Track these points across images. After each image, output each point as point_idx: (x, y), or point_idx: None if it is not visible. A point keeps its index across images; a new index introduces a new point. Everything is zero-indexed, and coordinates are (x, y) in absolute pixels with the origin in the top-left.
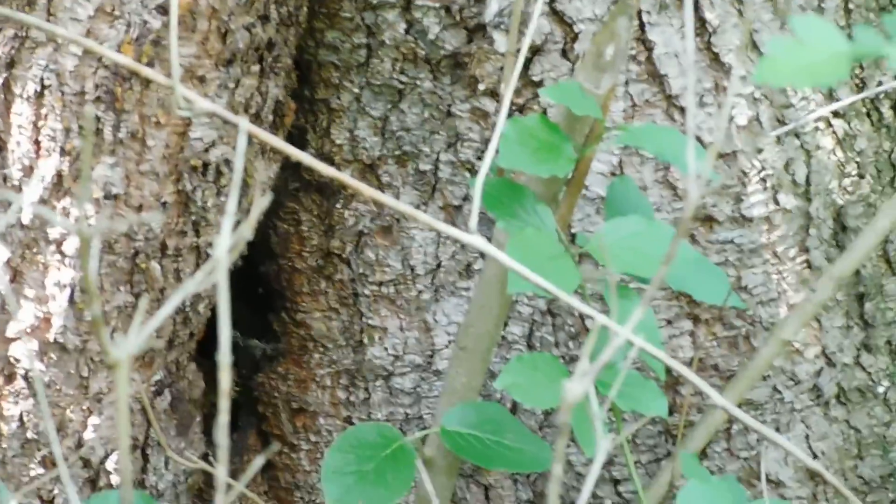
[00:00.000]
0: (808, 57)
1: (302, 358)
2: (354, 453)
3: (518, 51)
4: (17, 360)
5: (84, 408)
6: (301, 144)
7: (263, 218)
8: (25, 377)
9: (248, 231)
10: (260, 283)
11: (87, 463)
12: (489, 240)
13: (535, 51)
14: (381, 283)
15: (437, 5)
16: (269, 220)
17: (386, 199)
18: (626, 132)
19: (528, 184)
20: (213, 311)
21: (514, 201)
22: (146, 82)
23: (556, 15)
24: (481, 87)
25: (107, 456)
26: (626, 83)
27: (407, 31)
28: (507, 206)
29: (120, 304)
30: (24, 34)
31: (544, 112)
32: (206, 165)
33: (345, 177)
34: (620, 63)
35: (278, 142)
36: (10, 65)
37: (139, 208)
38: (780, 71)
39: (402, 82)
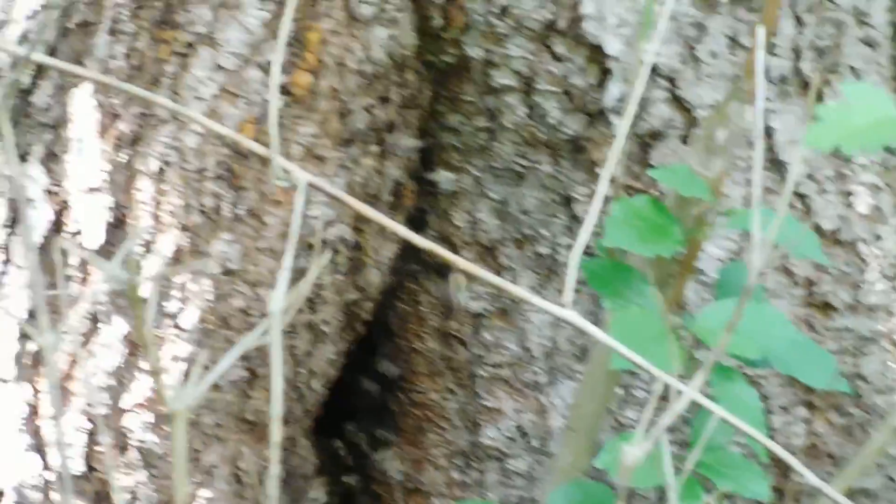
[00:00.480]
0: (856, 121)
1: (418, 438)
2: None
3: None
4: (131, 432)
5: (196, 480)
6: (421, 226)
7: (383, 298)
8: (138, 449)
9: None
10: (379, 363)
11: None
12: (598, 320)
13: (655, 136)
14: (497, 365)
15: (558, 90)
16: (389, 301)
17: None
18: (735, 215)
19: (638, 266)
20: (331, 389)
21: (621, 282)
22: (265, 161)
23: (676, 101)
24: (600, 171)
25: None
26: (746, 170)
27: (528, 116)
28: (614, 286)
29: (234, 378)
30: (149, 112)
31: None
32: (323, 243)
33: (460, 259)
34: (733, 147)
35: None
36: (135, 142)
37: (255, 285)
38: (829, 135)
39: (522, 166)
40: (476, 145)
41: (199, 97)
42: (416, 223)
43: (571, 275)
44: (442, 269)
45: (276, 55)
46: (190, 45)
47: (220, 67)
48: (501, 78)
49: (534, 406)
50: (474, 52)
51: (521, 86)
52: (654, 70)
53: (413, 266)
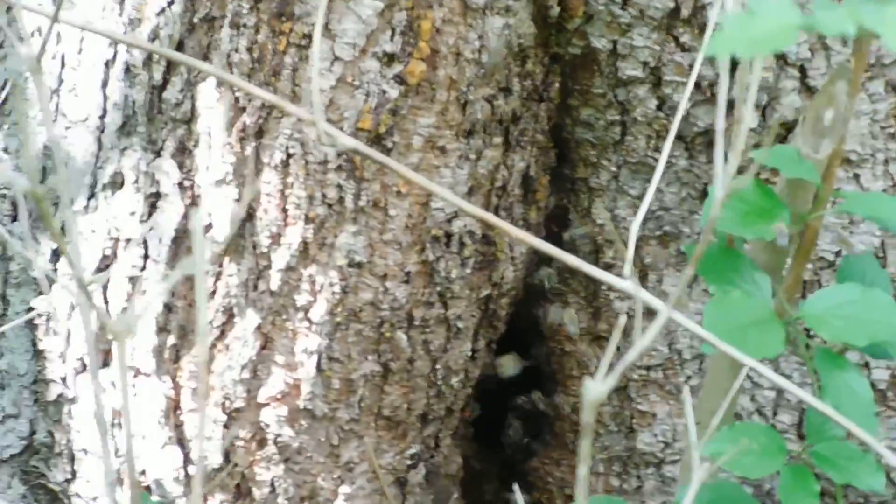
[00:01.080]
0: (757, 28)
1: (573, 443)
2: None
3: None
4: (268, 426)
5: (335, 476)
6: (564, 224)
7: (532, 301)
8: (276, 443)
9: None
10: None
11: None
12: None
13: (789, 127)
14: (648, 368)
15: (686, 80)
16: (538, 303)
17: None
18: (848, 199)
19: (751, 254)
20: (477, 390)
21: (731, 269)
22: (387, 152)
23: (808, 91)
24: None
25: None
26: (886, 162)
27: (658, 108)
28: (723, 273)
29: (367, 372)
30: (270, 105)
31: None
32: (448, 236)
33: (586, 265)
34: (841, 128)
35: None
36: (259, 134)
37: (383, 277)
38: (729, 43)
39: (656, 160)
40: (610, 140)
41: (319, 88)
42: (560, 221)
43: (631, 244)
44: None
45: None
46: (307, 36)
47: (337, 58)
48: (629, 69)
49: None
50: (600, 42)
51: (648, 77)
52: (784, 59)
53: (558, 265)
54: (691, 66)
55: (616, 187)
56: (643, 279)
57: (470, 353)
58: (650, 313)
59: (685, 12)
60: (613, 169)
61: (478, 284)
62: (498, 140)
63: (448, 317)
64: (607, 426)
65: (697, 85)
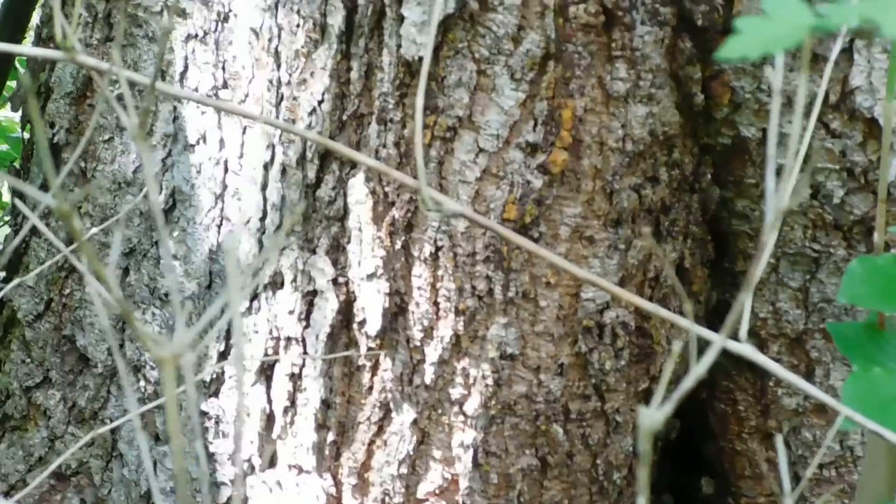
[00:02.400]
0: (770, 30)
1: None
2: None
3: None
4: None
5: None
6: (723, 319)
7: (701, 397)
8: None
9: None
10: (705, 467)
11: None
12: None
13: None
14: (822, 467)
15: (839, 167)
16: (708, 400)
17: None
18: None
19: None
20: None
21: (875, 347)
22: (534, 241)
23: None
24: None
25: None
26: None
27: (813, 196)
28: (866, 350)
29: (524, 466)
30: (418, 196)
31: None
32: (601, 327)
33: (755, 353)
34: None
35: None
36: (408, 228)
37: (537, 370)
38: (742, 46)
39: (815, 250)
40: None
41: (465, 180)
42: (721, 315)
43: (747, 305)
44: (755, 365)
45: (420, 93)
46: (451, 128)
47: (481, 150)
48: (780, 158)
49: None
50: (749, 131)
51: (801, 166)
52: None
53: (722, 361)
54: (843, 153)
55: (776, 279)
56: (810, 374)
57: (632, 449)
58: (819, 409)
59: (833, 98)
60: (772, 261)
61: (635, 377)
62: (647, 230)
63: (606, 410)
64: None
65: (850, 171)
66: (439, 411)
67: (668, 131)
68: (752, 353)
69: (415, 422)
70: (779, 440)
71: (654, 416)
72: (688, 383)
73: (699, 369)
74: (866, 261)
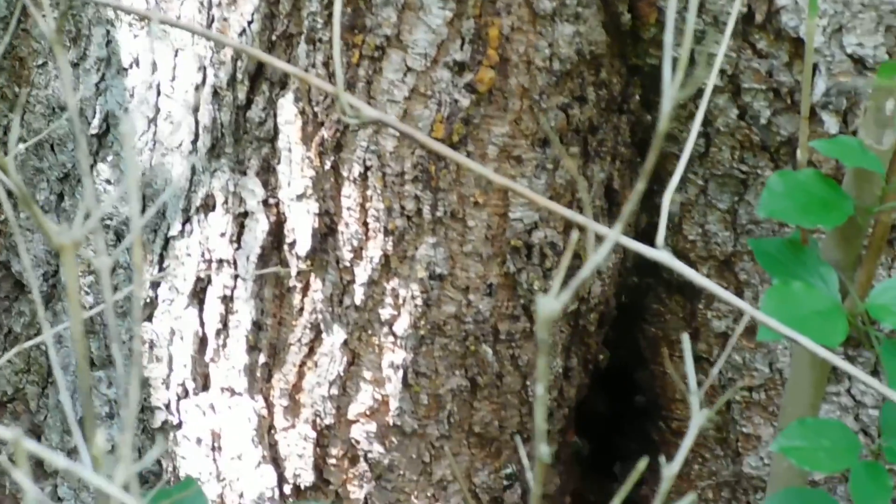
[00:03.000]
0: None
1: (682, 469)
2: None
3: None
4: (358, 443)
5: (429, 494)
6: (654, 242)
7: (631, 322)
8: (367, 460)
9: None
10: (637, 391)
11: None
12: None
13: None
14: (751, 389)
15: (765, 87)
16: (639, 325)
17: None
18: None
19: (825, 251)
20: (583, 411)
21: (796, 262)
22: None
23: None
24: (823, 171)
25: None
26: None
27: (740, 117)
28: (787, 265)
29: (454, 387)
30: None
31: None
32: (529, 247)
33: (694, 273)
34: None
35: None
36: (338, 148)
37: (466, 290)
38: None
39: (742, 172)
40: (695, 152)
41: (393, 100)
42: (651, 238)
43: (664, 214)
44: (684, 288)
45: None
46: (379, 48)
47: (409, 69)
48: (707, 78)
49: None
50: (676, 52)
51: (727, 86)
52: (862, 63)
53: (654, 285)
54: (769, 73)
55: (705, 202)
56: (739, 296)
57: (562, 370)
58: (749, 333)
59: (759, 17)
60: (701, 183)
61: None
62: (575, 150)
63: (535, 331)
64: (713, 451)
65: (777, 92)
66: (369, 332)
67: (595, 51)
68: (669, 259)
69: (345, 343)
70: (685, 338)
71: (551, 304)
72: (585, 272)
73: (596, 258)
74: (787, 175)
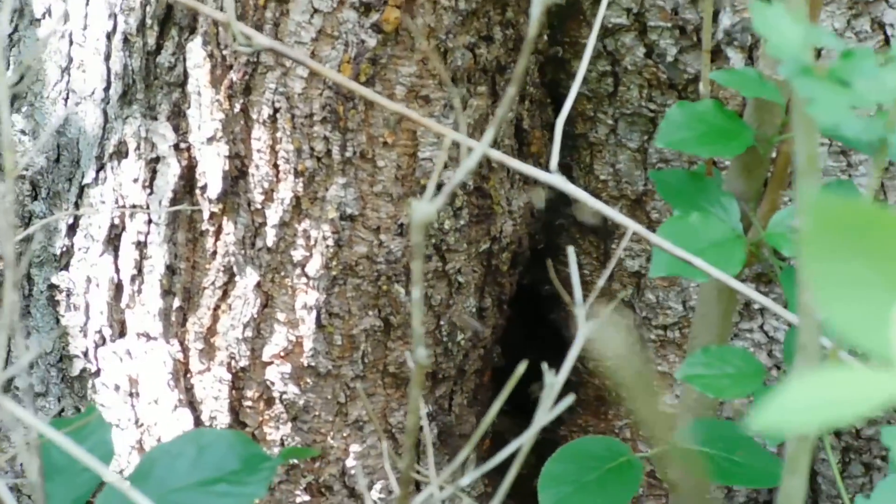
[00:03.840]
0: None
1: (600, 409)
2: (576, 464)
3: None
4: (273, 384)
5: (345, 435)
6: (569, 181)
7: (541, 259)
8: (282, 401)
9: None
10: (552, 331)
11: (352, 492)
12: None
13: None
14: (665, 328)
15: (670, 25)
16: (553, 266)
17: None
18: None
19: (728, 181)
20: (490, 351)
21: (698, 193)
22: (369, 102)
23: None
24: (729, 108)
25: (372, 484)
26: None
27: (647, 55)
28: (689, 197)
29: (367, 327)
30: (255, 59)
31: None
32: (439, 187)
33: (606, 208)
34: None
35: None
36: (247, 91)
37: (377, 230)
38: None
39: (651, 110)
40: (604, 92)
41: (300, 41)
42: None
43: (557, 139)
44: (597, 228)
45: None
46: None
47: (316, 10)
48: (613, 17)
49: None
50: None
51: (633, 24)
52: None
53: (567, 225)
54: (675, 10)
55: (615, 141)
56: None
57: (475, 310)
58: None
59: None
60: (610, 122)
61: (475, 238)
62: (483, 89)
63: (447, 271)
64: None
65: (683, 30)
66: (282, 273)
67: None
68: (562, 182)
69: (258, 285)
70: (570, 250)
71: (425, 209)
72: (457, 177)
73: (468, 164)
74: (686, 106)
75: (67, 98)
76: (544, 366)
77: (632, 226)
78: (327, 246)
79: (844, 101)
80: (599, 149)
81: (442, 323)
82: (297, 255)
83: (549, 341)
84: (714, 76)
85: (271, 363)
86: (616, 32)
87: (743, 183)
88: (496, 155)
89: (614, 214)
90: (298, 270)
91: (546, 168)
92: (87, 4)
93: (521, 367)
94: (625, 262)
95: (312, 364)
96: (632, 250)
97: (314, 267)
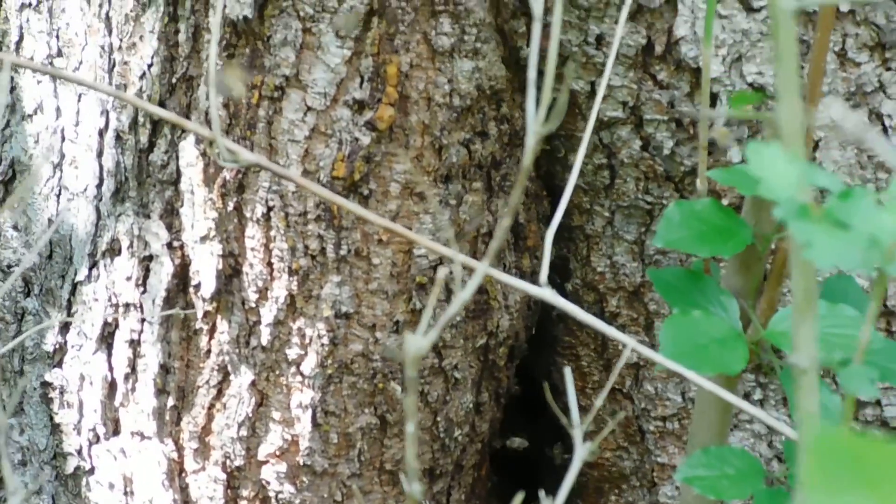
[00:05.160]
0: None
1: (599, 500)
2: None
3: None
4: (269, 483)
5: None
6: (565, 274)
7: (544, 355)
8: (278, 500)
9: None
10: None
11: None
12: None
13: None
14: (664, 419)
15: (667, 118)
16: (550, 357)
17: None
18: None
19: (726, 279)
20: (487, 445)
21: (696, 291)
22: (364, 199)
23: None
24: (725, 202)
25: None
26: (878, 192)
27: (643, 148)
28: (687, 294)
29: (364, 425)
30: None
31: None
32: (434, 284)
33: (580, 311)
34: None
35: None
36: (240, 189)
37: (372, 328)
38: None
39: (648, 202)
40: (600, 184)
41: (294, 139)
42: (561, 271)
43: (547, 250)
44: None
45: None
46: (278, 88)
47: (309, 108)
48: (609, 110)
49: None
50: (578, 84)
51: (630, 117)
52: (762, 90)
53: (564, 316)
54: (671, 104)
55: (612, 233)
56: (649, 327)
57: (472, 405)
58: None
59: (658, 49)
60: (607, 214)
61: (472, 333)
62: (478, 185)
63: (444, 367)
64: (629, 481)
65: (680, 123)
66: (277, 372)
67: (495, 86)
68: (552, 296)
69: (253, 383)
70: (567, 371)
71: (419, 342)
72: (452, 310)
73: (463, 295)
74: (684, 205)
75: (60, 194)
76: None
77: (630, 343)
78: (322, 344)
79: (842, 245)
80: (596, 241)
81: (439, 419)
82: (292, 353)
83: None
84: (712, 175)
85: (267, 462)
86: (612, 125)
87: (741, 279)
88: (493, 273)
89: (614, 332)
90: (293, 369)
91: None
92: (78, 101)
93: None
94: (622, 353)
95: (308, 463)
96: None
97: (309, 365)
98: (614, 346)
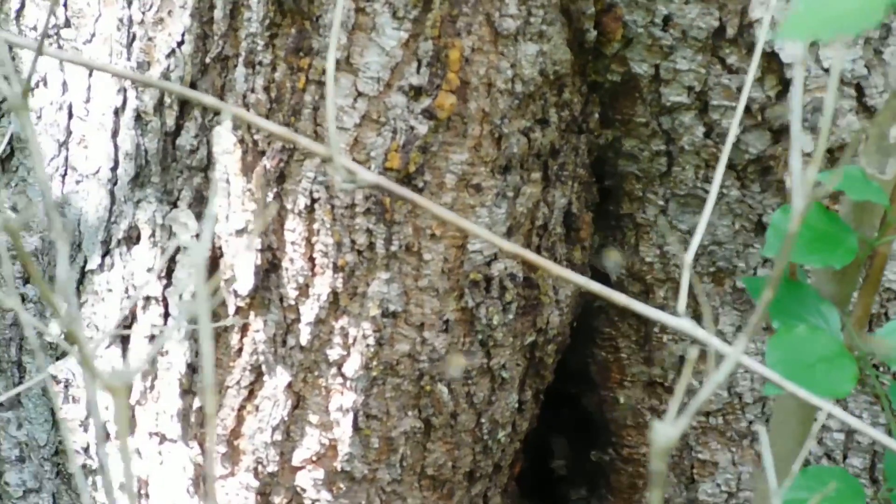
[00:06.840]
0: (837, 7)
1: (633, 497)
2: None
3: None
4: (304, 491)
5: None
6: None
7: (581, 346)
8: None
9: None
10: (583, 416)
11: None
12: None
13: (844, 148)
14: (708, 414)
15: (735, 104)
16: (587, 349)
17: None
18: None
19: (818, 285)
20: (527, 444)
21: (795, 302)
22: (418, 191)
23: (866, 110)
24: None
25: None
26: None
27: (706, 135)
28: (787, 306)
29: (407, 429)
30: (291, 146)
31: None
32: (488, 280)
33: (638, 304)
34: None
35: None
36: (281, 179)
37: (420, 327)
38: (806, 25)
39: (707, 191)
40: (656, 172)
41: (343, 127)
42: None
43: (685, 279)
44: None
45: (332, 40)
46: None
47: (360, 94)
48: (673, 95)
49: (751, 457)
50: (641, 68)
51: (694, 103)
52: (840, 77)
53: (605, 307)
54: (739, 89)
55: (664, 222)
56: (697, 319)
57: (517, 405)
58: (705, 355)
59: (731, 31)
60: (661, 203)
61: (522, 331)
62: (537, 175)
63: (492, 367)
64: (667, 477)
65: (748, 109)
66: (316, 373)
67: (558, 70)
68: (692, 328)
69: (289, 385)
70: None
71: (668, 432)
72: (703, 395)
73: (717, 378)
74: (788, 211)
75: (65, 175)
76: None
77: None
78: (367, 345)
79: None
80: (647, 230)
81: (483, 420)
82: (334, 353)
83: (569, 412)
84: (822, 178)
85: (302, 468)
86: (674, 111)
87: (835, 286)
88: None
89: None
90: (334, 370)
91: (589, 253)
92: (90, 76)
93: None
94: (668, 345)
95: (347, 469)
96: (675, 334)
97: (352, 366)
98: (657, 339)
